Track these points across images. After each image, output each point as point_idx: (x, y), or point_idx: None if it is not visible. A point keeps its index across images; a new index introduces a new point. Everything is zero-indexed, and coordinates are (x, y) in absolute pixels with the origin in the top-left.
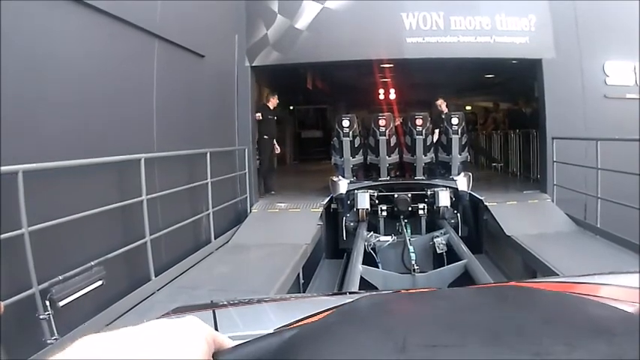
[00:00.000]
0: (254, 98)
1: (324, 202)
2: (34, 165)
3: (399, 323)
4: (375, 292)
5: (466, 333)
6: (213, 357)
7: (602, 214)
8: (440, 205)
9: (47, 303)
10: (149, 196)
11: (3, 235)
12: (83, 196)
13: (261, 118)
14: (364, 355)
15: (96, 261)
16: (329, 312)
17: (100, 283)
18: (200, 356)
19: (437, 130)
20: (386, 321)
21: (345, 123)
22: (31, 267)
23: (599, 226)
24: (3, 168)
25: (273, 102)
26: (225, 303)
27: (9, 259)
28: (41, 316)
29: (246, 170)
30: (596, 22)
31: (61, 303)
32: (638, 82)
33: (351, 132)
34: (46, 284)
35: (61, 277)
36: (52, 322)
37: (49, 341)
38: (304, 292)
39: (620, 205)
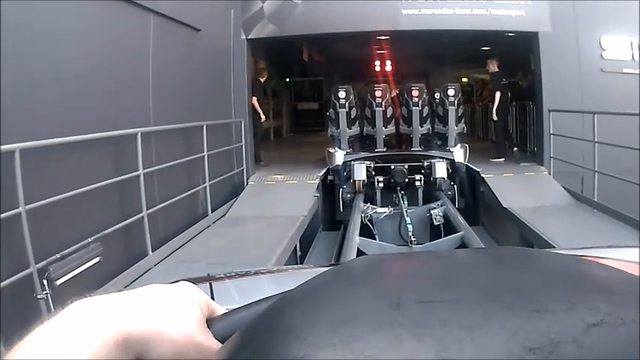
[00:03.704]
0: (250, 71)
1: (321, 174)
2: (31, 143)
3: (394, 281)
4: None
5: (463, 290)
6: (206, 322)
7: (599, 187)
8: (436, 176)
9: (45, 282)
10: (145, 171)
11: (1, 215)
12: (80, 172)
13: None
14: (357, 312)
15: (93, 237)
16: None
17: (97, 259)
18: (193, 320)
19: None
20: (380, 279)
21: (342, 94)
22: (29, 246)
23: (596, 199)
24: (1, 147)
25: (264, 76)
26: (222, 275)
27: (6, 238)
28: (39, 296)
29: (243, 142)
30: None
31: (59, 281)
32: (635, 57)
33: (347, 103)
34: (43, 263)
35: (58, 256)
36: (50, 302)
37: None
38: (301, 264)
39: (616, 179)
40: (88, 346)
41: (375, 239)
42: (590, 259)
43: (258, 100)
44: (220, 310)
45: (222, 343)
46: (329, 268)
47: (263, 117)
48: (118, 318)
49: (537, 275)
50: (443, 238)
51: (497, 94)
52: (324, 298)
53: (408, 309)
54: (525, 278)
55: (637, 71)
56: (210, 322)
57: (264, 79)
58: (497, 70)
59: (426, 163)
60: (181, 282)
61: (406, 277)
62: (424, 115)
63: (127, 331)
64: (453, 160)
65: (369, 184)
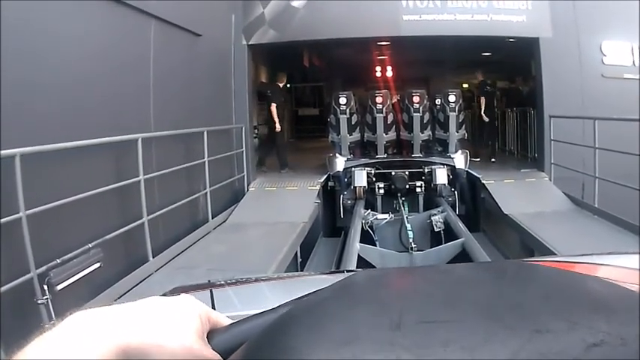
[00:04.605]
0: (251, 76)
1: (322, 180)
2: (31, 148)
3: (395, 299)
4: (371, 269)
5: (464, 309)
6: (207, 335)
7: (599, 193)
8: (437, 182)
9: (45, 287)
10: (146, 176)
11: (1, 220)
12: (81, 177)
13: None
14: (359, 332)
15: (93, 243)
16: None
17: (97, 265)
18: (192, 333)
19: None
20: (381, 297)
21: (342, 100)
22: (29, 251)
23: (596, 205)
24: (1, 152)
25: (282, 80)
26: (223, 282)
27: (7, 243)
28: (39, 301)
29: (244, 148)
30: (594, 1)
31: (59, 287)
32: (635, 63)
33: (348, 109)
34: (43, 268)
35: (59, 261)
36: (51, 307)
37: (47, 326)
38: (302, 270)
39: (617, 185)
40: (87, 357)
41: (375, 245)
42: (590, 266)
43: (279, 107)
44: (224, 320)
45: (223, 356)
46: (330, 276)
47: (278, 127)
48: (117, 330)
49: (538, 293)
50: (443, 245)
51: (483, 99)
52: (327, 317)
53: (409, 329)
54: (526, 296)
55: (637, 77)
56: (211, 334)
57: (283, 83)
58: (481, 79)
59: (426, 170)
60: (182, 295)
61: (407, 295)
62: (425, 121)
63: (126, 343)
64: (454, 166)
65: (370, 190)
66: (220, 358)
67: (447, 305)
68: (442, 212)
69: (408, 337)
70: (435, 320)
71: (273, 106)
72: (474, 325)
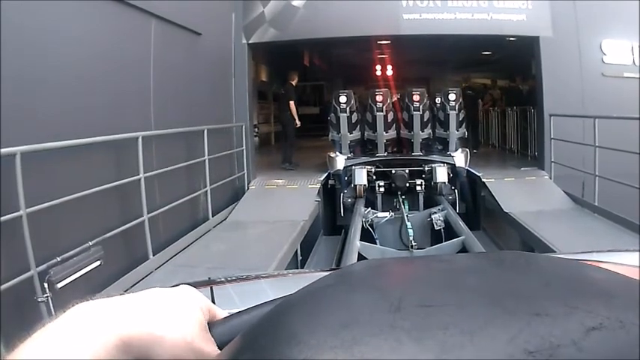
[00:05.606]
0: (251, 75)
1: (322, 179)
2: (31, 146)
3: (395, 285)
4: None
5: (463, 294)
6: (208, 326)
7: (599, 191)
8: (437, 181)
9: (45, 285)
10: (146, 175)
11: (1, 218)
12: (81, 176)
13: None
14: (358, 315)
15: (94, 241)
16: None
17: (98, 263)
18: (194, 324)
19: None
20: (381, 283)
21: (343, 99)
22: (29, 249)
23: (597, 204)
24: (2, 150)
25: (294, 78)
26: (223, 280)
27: (7, 241)
28: (39, 299)
29: (244, 147)
30: (594, 0)
31: (60, 285)
32: (635, 62)
33: (348, 108)
34: (44, 266)
35: (59, 259)
36: (51, 305)
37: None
38: (302, 268)
39: (617, 183)
40: (89, 349)
41: (375, 244)
42: (590, 263)
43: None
44: (221, 313)
45: (223, 347)
46: (330, 272)
47: (298, 122)
48: (120, 321)
49: (537, 279)
50: (444, 243)
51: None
52: (326, 302)
53: (408, 312)
54: (525, 282)
55: (637, 75)
56: (211, 326)
57: (296, 81)
58: (464, 85)
59: (426, 168)
60: (182, 286)
61: (407, 280)
62: (425, 119)
63: (128, 335)
64: (454, 164)
65: (370, 188)
66: (217, 349)
67: (446, 290)
68: (442, 210)
69: (408, 319)
70: (434, 304)
71: (292, 104)
72: (473, 309)
